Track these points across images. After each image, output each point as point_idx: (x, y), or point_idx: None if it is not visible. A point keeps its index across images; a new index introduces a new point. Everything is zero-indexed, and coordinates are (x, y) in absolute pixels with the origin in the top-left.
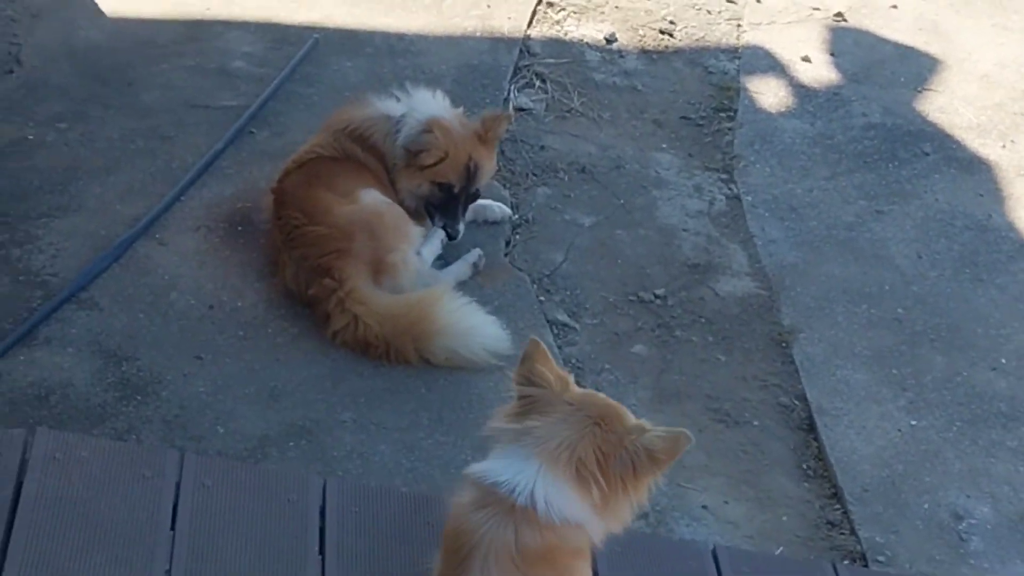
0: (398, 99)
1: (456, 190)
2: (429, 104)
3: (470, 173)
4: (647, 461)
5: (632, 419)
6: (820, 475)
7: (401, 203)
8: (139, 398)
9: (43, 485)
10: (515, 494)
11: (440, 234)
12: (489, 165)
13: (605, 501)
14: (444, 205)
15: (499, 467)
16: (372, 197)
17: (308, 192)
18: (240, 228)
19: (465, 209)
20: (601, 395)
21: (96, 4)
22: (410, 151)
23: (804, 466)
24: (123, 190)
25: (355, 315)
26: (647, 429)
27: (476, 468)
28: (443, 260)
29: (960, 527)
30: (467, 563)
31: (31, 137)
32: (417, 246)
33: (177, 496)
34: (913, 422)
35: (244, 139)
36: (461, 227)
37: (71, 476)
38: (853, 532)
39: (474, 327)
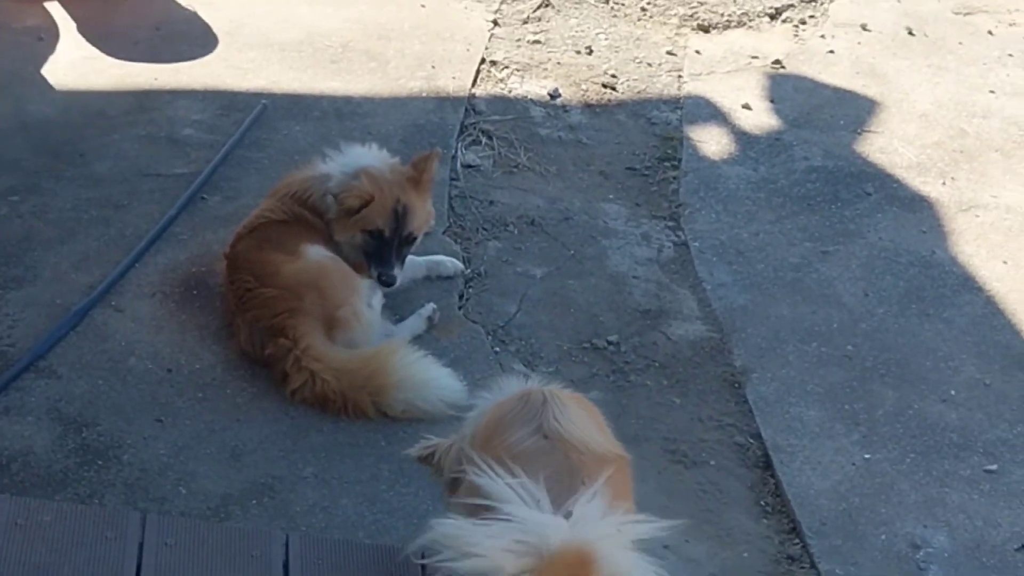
0: (332, 158)
1: (387, 234)
2: (361, 157)
3: (399, 216)
4: None
5: None
6: (778, 511)
7: (345, 259)
8: (100, 462)
9: (6, 552)
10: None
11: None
12: (420, 207)
13: None
14: (377, 252)
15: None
16: (316, 252)
17: (259, 255)
18: (195, 292)
19: (400, 255)
20: None
21: (46, 79)
22: (336, 199)
23: (762, 503)
24: (78, 259)
25: (312, 371)
26: None
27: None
28: (398, 315)
29: (918, 556)
30: (537, 413)
31: None
32: (367, 298)
33: (140, 556)
34: (867, 455)
35: (197, 205)
36: (396, 272)
37: (34, 541)
38: (813, 566)
39: (430, 379)
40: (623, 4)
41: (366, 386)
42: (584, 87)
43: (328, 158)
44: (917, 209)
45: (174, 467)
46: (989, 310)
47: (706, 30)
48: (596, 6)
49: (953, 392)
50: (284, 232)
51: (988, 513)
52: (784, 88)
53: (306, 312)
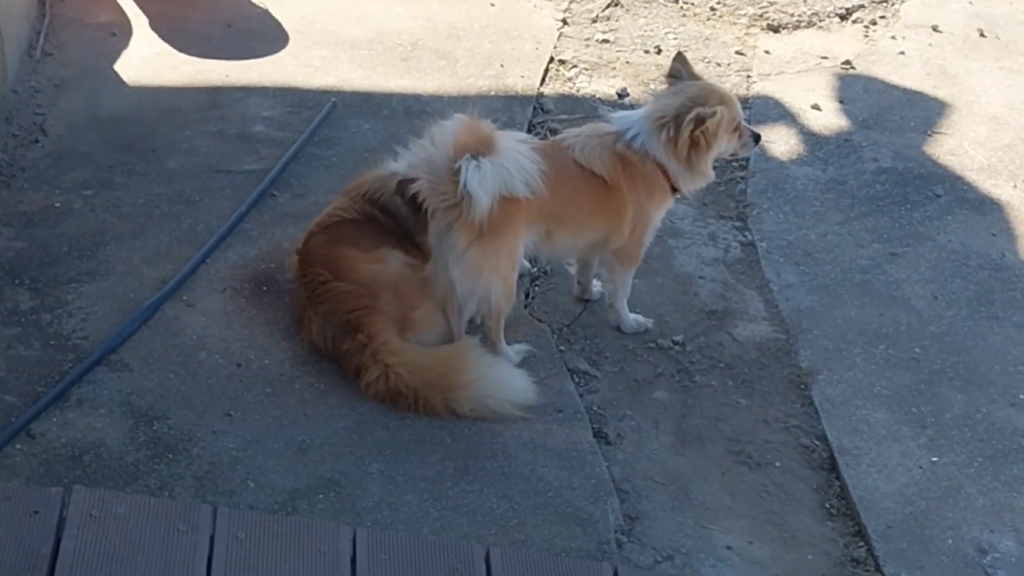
0: (403, 156)
1: None
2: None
3: None
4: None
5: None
6: (843, 514)
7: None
8: (171, 456)
9: (81, 542)
10: (618, 127)
11: None
12: None
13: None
14: None
15: (618, 115)
16: (398, 260)
17: (333, 251)
18: (265, 288)
19: None
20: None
21: (118, 74)
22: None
23: (827, 505)
24: (150, 254)
25: (387, 365)
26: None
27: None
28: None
29: (985, 561)
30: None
31: (58, 205)
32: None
33: (211, 549)
34: (934, 459)
35: (267, 201)
36: None
37: (108, 533)
38: (878, 569)
39: (502, 380)
40: (692, 4)
41: (438, 384)
42: (652, 87)
43: (399, 156)
44: (987, 212)
45: (243, 461)
46: None
47: (776, 30)
48: (665, 5)
49: (1022, 396)
50: (358, 230)
51: None
52: (854, 89)
53: (381, 310)
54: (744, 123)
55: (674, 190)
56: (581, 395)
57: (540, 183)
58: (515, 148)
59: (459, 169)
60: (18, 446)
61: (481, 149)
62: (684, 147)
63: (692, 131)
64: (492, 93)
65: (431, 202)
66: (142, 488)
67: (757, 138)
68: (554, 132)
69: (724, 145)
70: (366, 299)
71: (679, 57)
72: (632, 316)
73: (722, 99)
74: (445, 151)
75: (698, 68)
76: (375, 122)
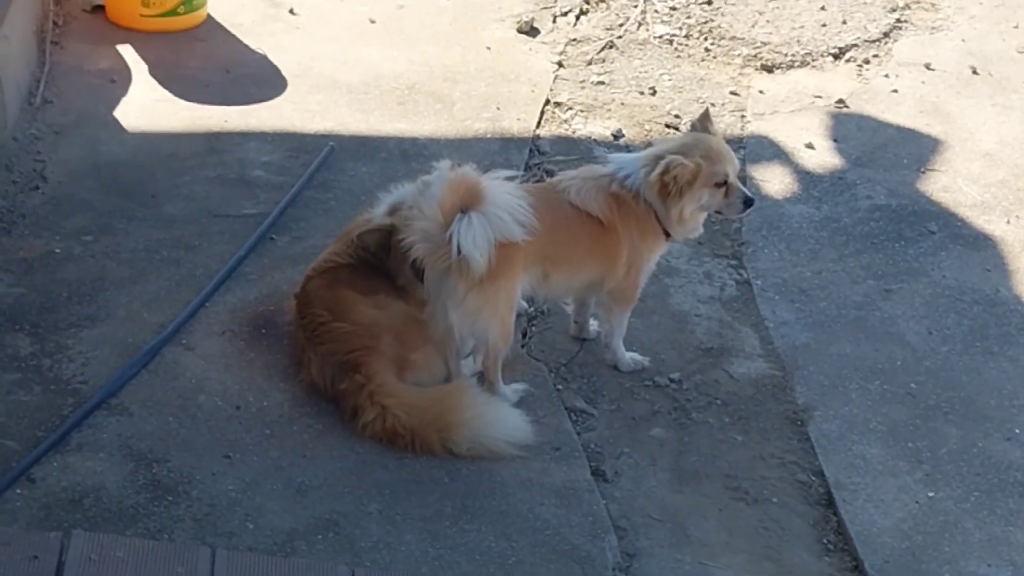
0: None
1: None
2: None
3: None
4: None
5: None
6: (841, 549)
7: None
8: (170, 498)
9: None
10: (612, 168)
11: None
12: None
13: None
14: None
15: (615, 157)
16: (398, 308)
17: (332, 293)
18: (264, 331)
19: None
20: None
21: (118, 120)
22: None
23: (824, 540)
24: (149, 298)
25: (384, 406)
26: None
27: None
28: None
29: None
30: (556, 190)
31: (58, 251)
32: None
33: None
34: (931, 493)
35: (265, 245)
36: None
37: None
38: None
39: (498, 419)
40: (687, 45)
41: (435, 423)
42: (648, 127)
43: (378, 201)
44: (981, 247)
45: (242, 503)
46: None
47: (770, 70)
48: (660, 47)
49: (1018, 431)
50: (355, 274)
51: None
52: (847, 127)
53: (381, 351)
54: (737, 184)
55: (667, 234)
56: (579, 433)
57: (534, 220)
58: (503, 192)
59: (451, 235)
60: (18, 491)
61: (469, 202)
62: (654, 190)
63: (661, 176)
64: (488, 136)
65: (430, 264)
66: (142, 531)
67: (748, 202)
68: (550, 174)
69: (706, 200)
70: (366, 339)
71: (704, 113)
72: (629, 354)
73: (706, 153)
74: (435, 218)
75: (693, 108)
76: (372, 165)
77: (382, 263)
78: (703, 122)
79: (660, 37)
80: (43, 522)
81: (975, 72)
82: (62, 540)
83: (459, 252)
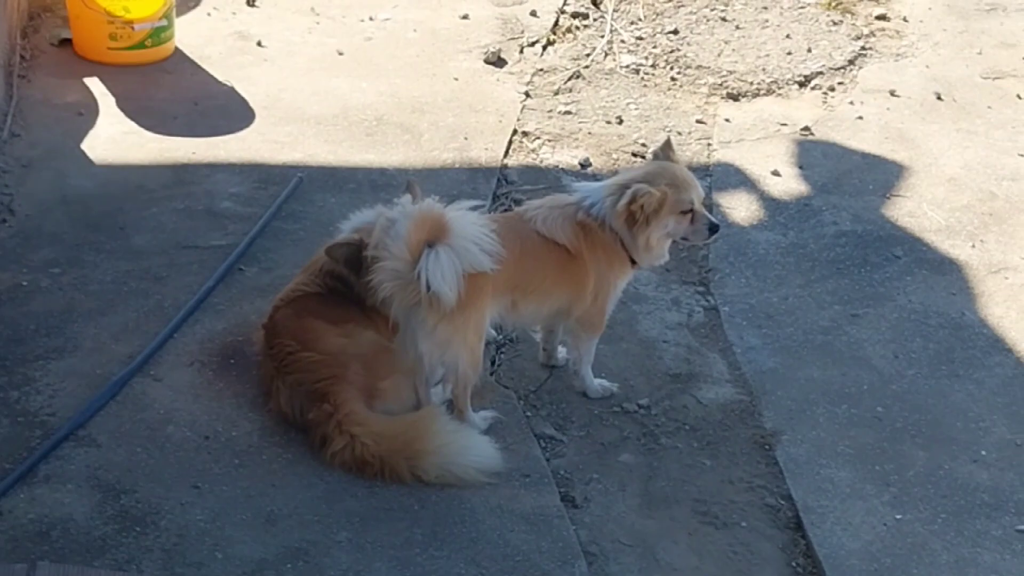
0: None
1: None
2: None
3: None
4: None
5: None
6: (809, 572)
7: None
8: (138, 529)
9: None
10: (578, 196)
11: None
12: None
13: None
14: None
15: (580, 186)
16: (367, 336)
17: (300, 322)
18: (232, 361)
19: None
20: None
21: (86, 153)
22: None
23: (794, 564)
24: (117, 330)
25: (352, 435)
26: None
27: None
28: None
29: None
30: (523, 219)
31: (26, 283)
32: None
33: None
34: (899, 516)
35: (234, 276)
36: None
37: None
38: None
39: (467, 447)
40: (653, 74)
41: (404, 451)
42: (615, 156)
43: (341, 227)
44: (946, 272)
45: (211, 533)
46: (1019, 371)
47: (735, 98)
48: (626, 76)
49: (984, 452)
50: (322, 304)
51: (1021, 572)
52: (813, 154)
53: (349, 380)
54: (703, 211)
55: (633, 262)
56: (548, 460)
57: (500, 248)
58: (469, 222)
59: (419, 272)
60: None
61: (435, 236)
62: (620, 219)
63: (628, 204)
64: (456, 166)
65: (399, 301)
66: (110, 562)
67: (714, 228)
68: (518, 203)
69: (672, 227)
70: (334, 368)
71: (666, 142)
72: (597, 381)
73: (672, 181)
74: (402, 257)
75: (660, 137)
76: (341, 196)
77: (351, 279)
78: (665, 151)
79: (627, 67)
80: (9, 554)
81: (939, 98)
82: (27, 572)
83: (428, 288)
